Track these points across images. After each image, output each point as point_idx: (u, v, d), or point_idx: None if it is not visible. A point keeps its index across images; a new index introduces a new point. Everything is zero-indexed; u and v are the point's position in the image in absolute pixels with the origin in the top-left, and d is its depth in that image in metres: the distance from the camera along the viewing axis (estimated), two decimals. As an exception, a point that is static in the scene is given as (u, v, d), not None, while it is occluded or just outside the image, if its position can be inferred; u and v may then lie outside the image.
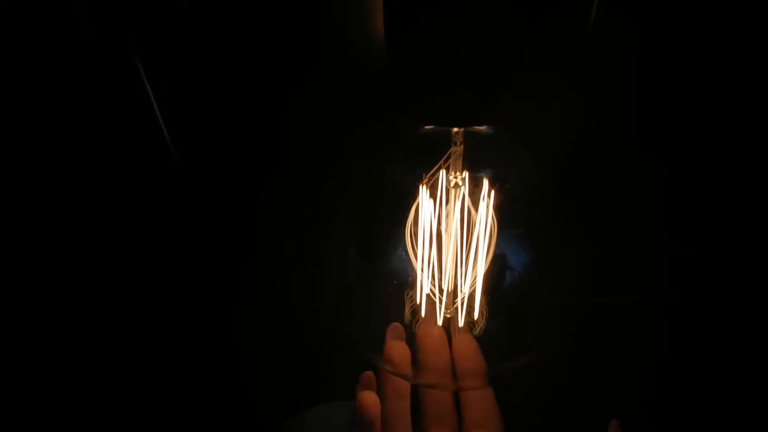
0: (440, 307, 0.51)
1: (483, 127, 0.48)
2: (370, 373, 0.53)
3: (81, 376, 0.72)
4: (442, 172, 0.49)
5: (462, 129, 0.47)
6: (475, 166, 0.49)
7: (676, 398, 0.73)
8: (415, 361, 0.52)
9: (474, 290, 0.50)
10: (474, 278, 0.50)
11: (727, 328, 0.73)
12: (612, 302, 0.76)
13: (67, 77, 0.66)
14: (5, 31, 0.63)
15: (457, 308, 0.51)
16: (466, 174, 0.49)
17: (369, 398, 0.50)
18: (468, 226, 0.49)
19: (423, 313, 0.52)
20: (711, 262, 0.74)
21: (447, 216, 0.50)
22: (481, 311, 0.51)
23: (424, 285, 0.50)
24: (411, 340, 0.53)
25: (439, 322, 0.52)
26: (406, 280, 0.52)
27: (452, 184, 0.48)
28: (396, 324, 0.53)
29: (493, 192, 0.48)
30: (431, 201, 0.48)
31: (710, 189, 0.72)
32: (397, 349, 0.51)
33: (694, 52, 0.65)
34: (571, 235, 0.53)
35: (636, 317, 0.76)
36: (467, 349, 0.52)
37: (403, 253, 0.51)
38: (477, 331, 0.51)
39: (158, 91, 0.67)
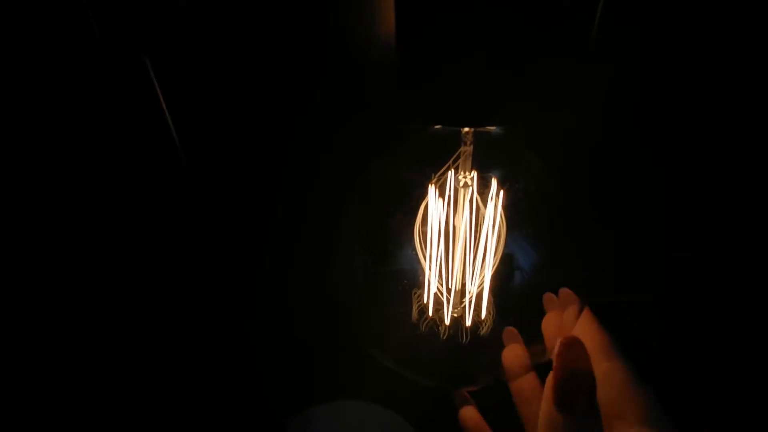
0: (448, 307, 0.51)
1: (492, 128, 0.48)
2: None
3: (86, 373, 0.72)
4: (451, 172, 0.49)
5: (472, 129, 0.47)
6: (483, 166, 0.49)
7: (677, 398, 0.73)
8: None
9: (482, 290, 0.50)
10: (482, 278, 0.50)
11: (727, 328, 0.74)
12: (612, 302, 0.76)
13: (76, 79, 0.66)
14: (16, 34, 0.63)
15: (464, 307, 0.51)
16: (474, 174, 0.49)
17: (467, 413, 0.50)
18: (476, 225, 0.49)
19: (430, 312, 0.52)
20: (711, 262, 0.75)
21: (455, 215, 0.50)
22: (488, 310, 0.51)
23: (431, 284, 0.51)
24: (417, 339, 0.53)
25: (447, 321, 0.52)
26: (415, 280, 0.52)
27: (461, 183, 0.49)
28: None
29: (501, 192, 0.48)
30: (440, 200, 0.48)
31: (710, 190, 0.72)
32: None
33: (695, 56, 0.65)
34: (576, 235, 0.54)
35: (636, 317, 0.76)
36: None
37: (412, 252, 0.51)
38: (484, 330, 0.52)
39: (167, 91, 0.67)
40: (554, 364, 0.40)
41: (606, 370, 0.45)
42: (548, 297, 0.49)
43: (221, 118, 0.70)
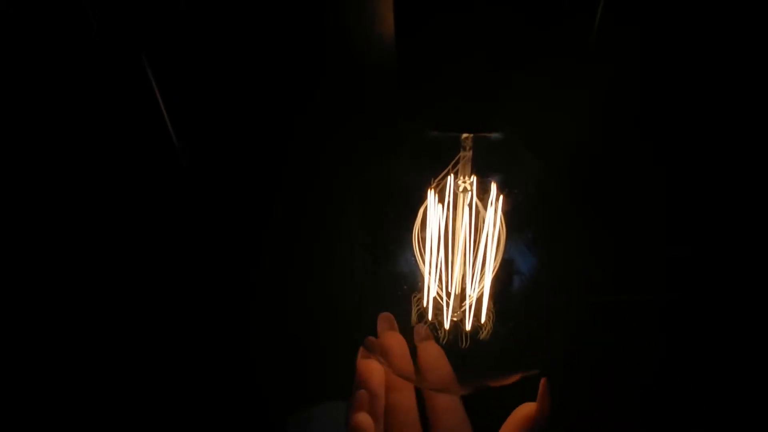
0: (447, 311, 0.51)
1: (492, 133, 0.48)
2: (372, 339, 0.52)
3: (86, 373, 0.73)
4: (451, 177, 0.49)
5: (471, 134, 0.47)
6: (483, 170, 0.49)
7: (677, 398, 0.73)
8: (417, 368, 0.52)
9: (482, 294, 0.50)
10: (482, 282, 0.50)
11: (727, 328, 0.74)
12: (612, 302, 0.76)
13: (76, 79, 0.66)
14: (16, 34, 0.63)
15: (464, 312, 0.51)
16: (474, 179, 0.49)
17: (372, 366, 0.50)
18: (476, 230, 0.49)
19: (430, 317, 0.52)
20: (711, 262, 0.75)
21: (455, 220, 0.50)
22: (488, 315, 0.51)
23: (431, 288, 0.51)
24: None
25: (447, 325, 0.52)
26: (415, 284, 0.52)
27: (461, 188, 0.48)
28: (385, 314, 0.52)
29: (501, 197, 0.48)
30: (439, 205, 0.48)
31: (710, 190, 0.72)
32: (394, 341, 0.51)
33: (695, 56, 0.65)
34: (576, 236, 0.54)
35: (636, 317, 0.76)
36: (434, 358, 0.51)
37: (411, 256, 0.51)
38: (484, 334, 0.52)
39: (166, 91, 0.67)
40: (540, 402, 0.47)
41: (451, 403, 0.52)
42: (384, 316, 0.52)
43: (221, 118, 0.70)
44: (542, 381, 0.48)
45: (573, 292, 0.53)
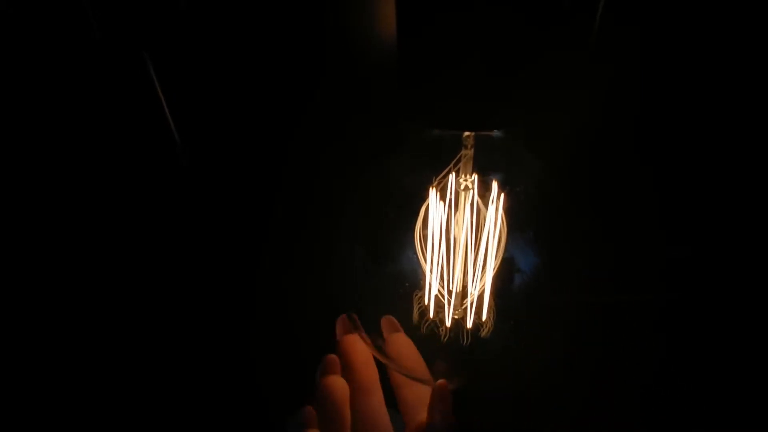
0: (449, 309, 0.52)
1: (493, 131, 0.48)
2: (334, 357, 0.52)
3: (86, 373, 0.73)
4: (452, 175, 0.49)
5: (473, 133, 0.47)
6: (484, 169, 0.49)
7: (677, 398, 0.73)
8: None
9: (483, 292, 0.50)
10: (483, 280, 0.50)
11: (726, 328, 0.74)
12: (612, 302, 0.76)
13: (77, 79, 0.66)
14: (16, 34, 0.63)
15: (465, 309, 0.51)
16: (475, 177, 0.49)
17: (337, 383, 0.50)
18: (477, 228, 0.49)
19: (431, 315, 0.52)
20: (711, 262, 0.75)
21: (456, 218, 0.50)
22: (489, 313, 0.51)
23: (432, 286, 0.51)
24: (417, 341, 0.53)
25: (448, 323, 0.52)
26: (416, 282, 0.52)
27: (462, 187, 0.49)
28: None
29: (502, 195, 0.48)
30: (441, 203, 0.48)
31: (710, 190, 0.72)
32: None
33: (695, 55, 0.65)
34: (576, 236, 0.54)
35: (636, 317, 0.76)
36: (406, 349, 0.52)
37: (413, 255, 0.51)
38: (485, 332, 0.52)
39: (167, 91, 0.67)
40: (432, 411, 0.45)
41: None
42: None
43: (221, 118, 0.70)
44: (436, 384, 0.46)
45: (573, 292, 0.53)
